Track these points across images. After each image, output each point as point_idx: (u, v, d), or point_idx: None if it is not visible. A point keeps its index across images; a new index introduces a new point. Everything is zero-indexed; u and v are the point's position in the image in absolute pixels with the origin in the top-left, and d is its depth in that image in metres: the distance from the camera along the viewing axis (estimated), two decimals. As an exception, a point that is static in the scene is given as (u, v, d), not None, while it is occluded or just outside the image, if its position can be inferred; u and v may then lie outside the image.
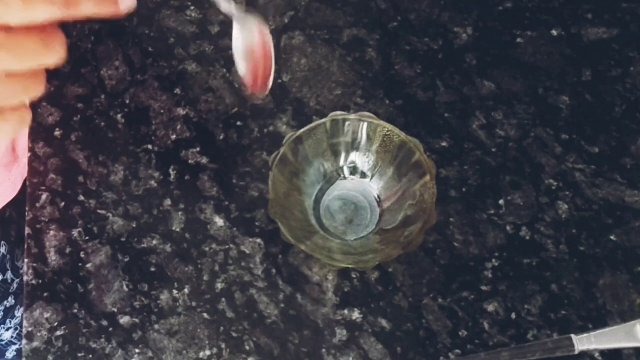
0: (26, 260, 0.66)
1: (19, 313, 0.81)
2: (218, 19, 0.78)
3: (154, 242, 0.67)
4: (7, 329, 0.82)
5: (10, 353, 0.84)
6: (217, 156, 0.71)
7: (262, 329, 0.64)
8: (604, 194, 0.71)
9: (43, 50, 0.48)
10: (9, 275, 0.79)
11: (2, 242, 0.77)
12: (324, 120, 0.67)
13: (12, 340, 0.83)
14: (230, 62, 0.76)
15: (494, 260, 0.67)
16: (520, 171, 0.71)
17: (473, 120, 0.74)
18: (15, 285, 0.80)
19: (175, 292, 0.66)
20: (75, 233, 0.68)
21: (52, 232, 0.67)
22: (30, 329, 0.64)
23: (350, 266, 0.64)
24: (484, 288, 0.66)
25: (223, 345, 0.64)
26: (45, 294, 0.65)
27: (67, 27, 0.77)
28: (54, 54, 0.48)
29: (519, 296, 0.66)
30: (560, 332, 0.64)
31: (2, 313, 0.80)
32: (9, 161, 0.76)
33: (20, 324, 0.81)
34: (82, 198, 0.69)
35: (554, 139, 0.73)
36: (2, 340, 0.82)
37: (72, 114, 0.73)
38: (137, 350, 0.63)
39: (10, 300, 0.80)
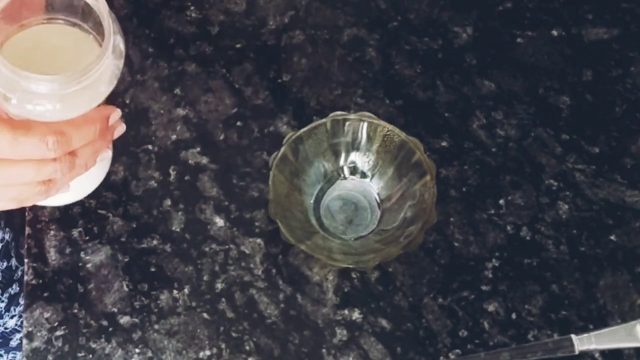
0: (26, 260, 0.66)
1: (23, 301, 0.82)
2: (218, 19, 0.78)
3: (154, 242, 0.67)
4: (12, 317, 0.82)
5: (15, 341, 0.84)
6: (217, 156, 0.71)
7: (262, 329, 0.64)
8: (604, 194, 0.70)
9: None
10: (13, 262, 0.79)
11: (6, 229, 0.77)
12: (324, 120, 0.67)
13: (17, 328, 0.83)
14: (230, 62, 0.76)
15: (494, 260, 0.67)
16: (520, 171, 0.71)
17: (473, 120, 0.74)
18: (19, 273, 0.80)
19: (175, 292, 0.66)
20: (75, 233, 0.68)
21: (52, 232, 0.67)
22: (30, 329, 0.64)
23: (350, 266, 0.64)
24: (484, 288, 0.66)
25: (223, 345, 0.64)
26: (45, 294, 0.65)
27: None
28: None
29: (519, 296, 0.66)
30: (561, 332, 0.64)
31: (7, 300, 0.80)
32: None
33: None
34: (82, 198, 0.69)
35: (554, 139, 0.73)
36: (6, 328, 0.82)
37: (72, 114, 0.73)
38: (137, 350, 0.63)
39: (15, 288, 0.80)
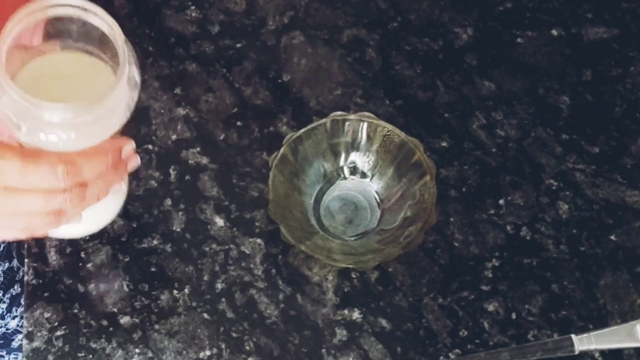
0: (26, 260, 0.66)
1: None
2: (218, 18, 0.78)
3: (154, 242, 0.67)
4: (14, 317, 0.82)
5: (17, 342, 0.84)
6: (217, 156, 0.71)
7: (262, 329, 0.64)
8: (604, 194, 0.71)
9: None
10: (15, 262, 0.79)
11: None
12: (324, 120, 0.67)
13: (18, 329, 0.83)
14: (230, 62, 0.76)
15: (494, 260, 0.67)
16: (520, 171, 0.71)
17: (473, 120, 0.74)
18: (21, 273, 0.80)
19: (175, 292, 0.66)
20: (75, 233, 0.68)
21: (52, 232, 0.67)
22: (30, 329, 0.64)
23: (350, 266, 0.64)
24: (484, 288, 0.66)
25: (223, 345, 0.64)
26: (46, 294, 0.65)
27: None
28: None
29: (519, 296, 0.66)
30: (561, 332, 0.64)
31: (8, 301, 0.80)
32: None
33: None
34: (82, 198, 0.69)
35: (554, 139, 0.73)
36: (8, 329, 0.82)
37: (72, 114, 0.73)
38: (137, 350, 0.63)
39: (16, 288, 0.80)
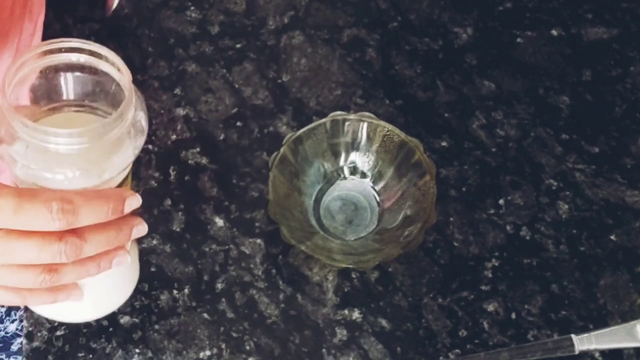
0: (26, 261, 0.66)
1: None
2: (218, 19, 0.78)
3: (154, 242, 0.67)
4: (12, 321, 0.82)
5: (15, 346, 0.84)
6: (217, 156, 0.71)
7: (262, 329, 0.64)
8: (604, 194, 0.71)
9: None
10: None
11: None
12: (324, 120, 0.67)
13: (17, 332, 0.83)
14: (230, 62, 0.76)
15: (493, 260, 0.67)
16: (520, 171, 0.71)
17: (473, 120, 0.74)
18: None
19: (175, 292, 0.66)
20: (75, 233, 0.68)
21: (52, 232, 0.67)
22: (30, 329, 0.64)
23: (350, 266, 0.64)
24: (483, 288, 0.66)
25: (223, 346, 0.64)
26: (45, 294, 0.65)
27: (68, 27, 0.77)
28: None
29: (518, 296, 0.66)
30: (561, 332, 0.64)
31: (7, 305, 0.80)
32: None
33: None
34: (82, 198, 0.69)
35: (554, 139, 0.73)
36: (7, 333, 0.82)
37: (72, 114, 0.73)
38: (137, 350, 0.63)
39: None
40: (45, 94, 0.49)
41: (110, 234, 0.48)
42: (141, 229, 0.51)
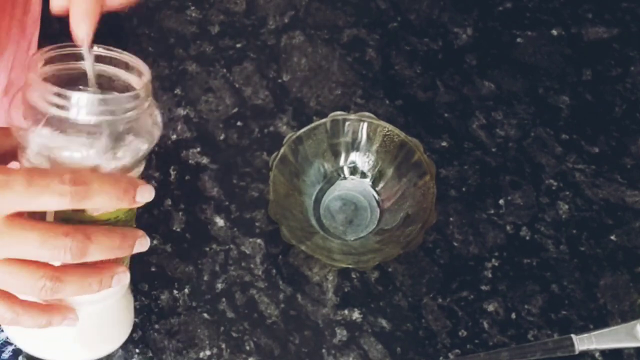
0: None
1: None
2: (218, 19, 0.78)
3: (155, 242, 0.67)
4: (2, 330, 0.82)
5: (7, 354, 0.84)
6: (217, 156, 0.71)
7: (263, 329, 0.64)
8: (604, 194, 0.71)
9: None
10: None
11: None
12: (324, 120, 0.67)
13: (8, 340, 0.83)
14: (230, 62, 0.76)
15: (493, 260, 0.67)
16: (520, 171, 0.71)
17: (473, 120, 0.74)
18: None
19: (175, 292, 0.66)
20: (75, 233, 0.68)
21: (52, 232, 0.67)
22: (30, 329, 0.64)
23: (350, 266, 0.64)
24: (483, 288, 0.66)
25: (223, 345, 0.64)
26: (46, 294, 0.65)
27: (67, 27, 0.77)
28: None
29: (518, 296, 0.66)
30: (561, 332, 0.64)
31: None
32: None
33: None
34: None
35: (554, 139, 0.73)
36: None
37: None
38: (137, 350, 0.63)
39: None
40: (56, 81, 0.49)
41: (115, 241, 0.48)
42: (144, 242, 0.50)
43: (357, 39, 0.77)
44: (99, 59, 0.49)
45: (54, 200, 0.44)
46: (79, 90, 0.48)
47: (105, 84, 0.50)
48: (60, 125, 0.46)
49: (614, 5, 0.80)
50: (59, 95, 0.45)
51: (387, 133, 0.67)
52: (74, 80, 0.49)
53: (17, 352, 0.67)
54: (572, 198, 0.70)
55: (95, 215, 0.48)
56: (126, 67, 0.50)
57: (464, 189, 0.70)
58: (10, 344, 0.84)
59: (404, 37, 0.78)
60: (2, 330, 0.82)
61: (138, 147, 0.48)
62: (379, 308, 0.65)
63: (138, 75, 0.49)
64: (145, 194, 0.48)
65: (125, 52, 0.50)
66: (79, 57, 0.49)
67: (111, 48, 0.49)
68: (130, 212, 0.52)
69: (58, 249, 0.45)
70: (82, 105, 0.45)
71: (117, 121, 0.46)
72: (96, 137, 0.46)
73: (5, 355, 0.85)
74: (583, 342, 0.61)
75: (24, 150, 0.48)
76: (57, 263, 0.47)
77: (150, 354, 0.63)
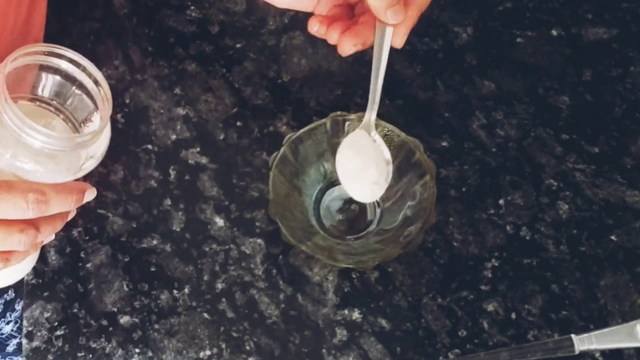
0: (26, 260, 0.66)
1: (18, 306, 0.81)
2: (218, 18, 0.78)
3: (154, 242, 0.67)
4: (7, 322, 0.82)
5: (11, 347, 0.84)
6: (217, 156, 0.71)
7: (263, 329, 0.64)
8: (604, 194, 0.71)
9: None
10: None
11: None
12: (324, 120, 0.67)
13: (13, 333, 0.83)
14: (230, 62, 0.76)
15: (493, 260, 0.67)
16: (520, 171, 0.71)
17: (473, 120, 0.74)
18: None
19: (175, 292, 0.66)
20: (75, 232, 0.68)
21: (52, 232, 0.67)
22: (30, 329, 0.64)
23: (350, 266, 0.64)
24: (483, 288, 0.66)
25: (223, 345, 0.64)
26: (45, 294, 0.65)
27: (67, 26, 0.77)
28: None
29: (518, 296, 0.66)
30: (561, 332, 0.64)
31: (2, 306, 0.80)
32: None
33: (20, 317, 0.81)
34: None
35: (554, 139, 0.73)
36: (2, 334, 0.82)
37: (72, 113, 0.73)
38: (137, 350, 0.63)
39: (10, 294, 0.80)
40: (13, 84, 0.52)
41: (57, 222, 0.54)
42: (92, 191, 0.56)
43: (357, 39, 0.77)
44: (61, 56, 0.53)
45: (17, 213, 0.50)
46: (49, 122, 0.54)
47: (71, 82, 0.54)
48: (29, 149, 0.50)
49: (614, 6, 0.80)
50: (29, 127, 0.49)
51: (387, 133, 0.67)
52: (45, 69, 0.53)
53: (20, 345, 0.67)
54: (572, 198, 0.70)
55: None
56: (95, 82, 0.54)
57: (464, 189, 0.70)
58: (15, 337, 0.84)
59: (404, 37, 0.77)
60: (7, 324, 0.82)
61: (92, 164, 0.54)
62: (379, 308, 0.65)
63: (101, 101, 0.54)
64: (90, 196, 0.55)
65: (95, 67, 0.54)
66: (49, 54, 0.53)
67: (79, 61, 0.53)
68: None
69: (14, 243, 0.51)
70: (43, 143, 0.49)
71: (79, 150, 0.52)
72: (59, 161, 0.51)
73: (10, 348, 0.85)
74: (583, 342, 0.61)
75: None
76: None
77: (150, 354, 0.63)
